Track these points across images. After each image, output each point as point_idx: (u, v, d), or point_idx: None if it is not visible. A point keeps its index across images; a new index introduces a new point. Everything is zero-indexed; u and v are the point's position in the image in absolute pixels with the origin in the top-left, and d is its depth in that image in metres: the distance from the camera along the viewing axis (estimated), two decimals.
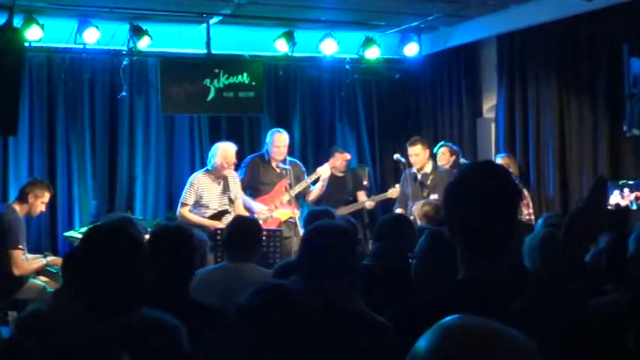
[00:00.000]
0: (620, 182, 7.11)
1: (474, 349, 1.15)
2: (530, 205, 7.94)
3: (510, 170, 7.78)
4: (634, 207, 6.89)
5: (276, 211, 7.80)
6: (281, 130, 8.05)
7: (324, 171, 7.85)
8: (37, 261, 6.83)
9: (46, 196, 6.90)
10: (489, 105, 9.51)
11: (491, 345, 1.16)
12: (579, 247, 1.84)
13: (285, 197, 7.75)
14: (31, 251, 7.02)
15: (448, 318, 1.22)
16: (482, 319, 1.21)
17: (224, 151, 7.40)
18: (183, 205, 7.41)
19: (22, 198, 6.81)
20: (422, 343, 1.20)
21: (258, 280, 4.21)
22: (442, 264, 2.55)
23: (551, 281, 1.83)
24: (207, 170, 7.49)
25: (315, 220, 5.01)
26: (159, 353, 2.39)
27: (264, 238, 5.45)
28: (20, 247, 6.55)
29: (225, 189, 7.44)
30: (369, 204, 8.68)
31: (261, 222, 6.11)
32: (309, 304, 2.42)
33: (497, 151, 8.89)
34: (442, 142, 8.75)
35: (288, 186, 7.69)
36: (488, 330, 1.19)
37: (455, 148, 8.65)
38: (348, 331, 2.76)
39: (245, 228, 4.64)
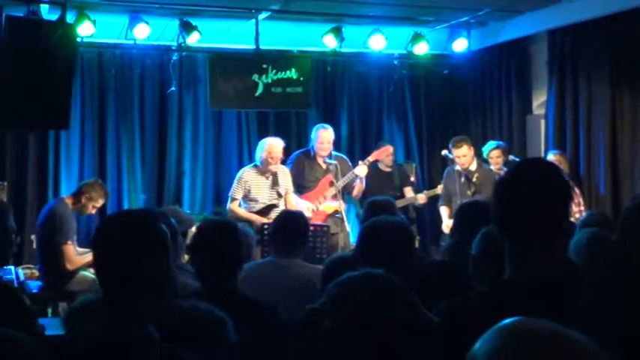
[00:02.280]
0: None
1: (535, 352, 1.13)
2: (582, 202, 7.79)
3: (561, 167, 7.69)
4: None
5: (322, 204, 7.79)
6: (326, 125, 8.02)
7: (360, 170, 7.80)
8: (89, 254, 6.91)
9: (100, 202, 6.96)
10: (539, 101, 9.37)
11: (553, 348, 1.13)
12: (634, 244, 1.79)
13: (330, 192, 7.75)
14: (80, 244, 7.12)
15: (507, 320, 1.20)
16: (542, 320, 1.18)
17: (270, 146, 7.43)
18: (233, 199, 7.48)
19: (77, 196, 6.89)
20: (482, 346, 1.18)
21: (305, 276, 4.22)
22: (495, 263, 2.51)
23: (606, 281, 1.79)
24: (255, 165, 7.54)
25: (377, 209, 5.01)
26: (206, 345, 2.41)
27: (310, 233, 5.45)
28: (70, 242, 6.64)
29: (274, 183, 7.47)
30: (421, 199, 8.61)
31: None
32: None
33: (547, 149, 8.76)
34: (492, 145, 8.45)
35: (333, 181, 7.69)
36: (549, 332, 1.16)
37: (504, 145, 8.48)
38: (401, 327, 2.74)
39: (292, 223, 4.63)
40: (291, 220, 4.71)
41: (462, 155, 7.87)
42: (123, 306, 2.21)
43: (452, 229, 4.64)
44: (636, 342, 1.79)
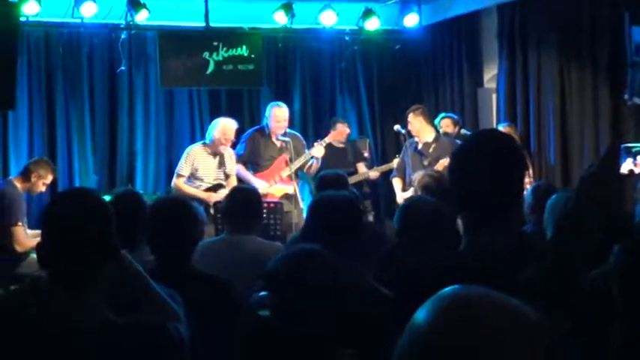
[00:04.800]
0: (634, 149, 6.96)
1: (474, 319, 1.12)
2: (531, 174, 7.91)
3: None
4: None
5: (274, 187, 7.76)
6: (280, 103, 7.98)
7: (317, 151, 7.81)
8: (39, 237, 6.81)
9: (49, 178, 6.90)
10: (490, 75, 9.45)
11: (492, 315, 1.13)
12: (589, 213, 1.80)
13: (285, 172, 7.74)
14: (31, 227, 7.01)
15: (448, 288, 1.20)
16: (483, 289, 1.18)
17: (223, 126, 7.38)
18: (179, 176, 7.44)
19: (25, 175, 6.81)
20: (421, 313, 1.17)
21: (261, 252, 4.20)
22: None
23: (556, 250, 1.80)
24: (205, 143, 7.48)
25: (328, 185, 5.02)
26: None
27: (264, 210, 5.43)
28: (20, 223, 6.55)
29: (222, 164, 7.44)
30: (373, 174, 8.66)
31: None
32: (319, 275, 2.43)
33: (499, 121, 8.86)
34: (442, 114, 8.66)
35: (288, 160, 7.67)
36: (489, 300, 1.16)
37: (456, 117, 8.61)
38: (354, 304, 2.75)
39: (245, 199, 4.58)
40: (245, 195, 4.67)
41: (409, 123, 7.90)
42: (72, 288, 2.18)
43: None
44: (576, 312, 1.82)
